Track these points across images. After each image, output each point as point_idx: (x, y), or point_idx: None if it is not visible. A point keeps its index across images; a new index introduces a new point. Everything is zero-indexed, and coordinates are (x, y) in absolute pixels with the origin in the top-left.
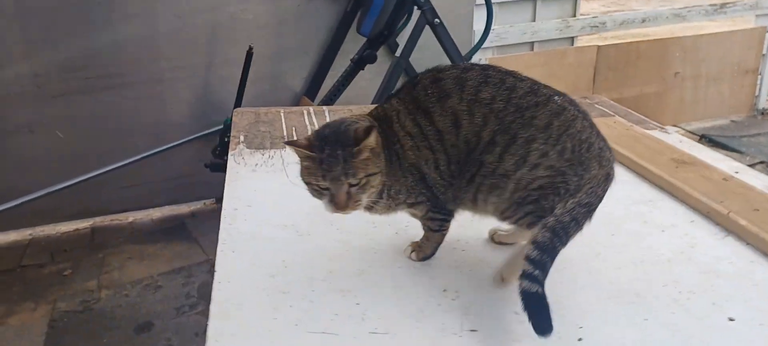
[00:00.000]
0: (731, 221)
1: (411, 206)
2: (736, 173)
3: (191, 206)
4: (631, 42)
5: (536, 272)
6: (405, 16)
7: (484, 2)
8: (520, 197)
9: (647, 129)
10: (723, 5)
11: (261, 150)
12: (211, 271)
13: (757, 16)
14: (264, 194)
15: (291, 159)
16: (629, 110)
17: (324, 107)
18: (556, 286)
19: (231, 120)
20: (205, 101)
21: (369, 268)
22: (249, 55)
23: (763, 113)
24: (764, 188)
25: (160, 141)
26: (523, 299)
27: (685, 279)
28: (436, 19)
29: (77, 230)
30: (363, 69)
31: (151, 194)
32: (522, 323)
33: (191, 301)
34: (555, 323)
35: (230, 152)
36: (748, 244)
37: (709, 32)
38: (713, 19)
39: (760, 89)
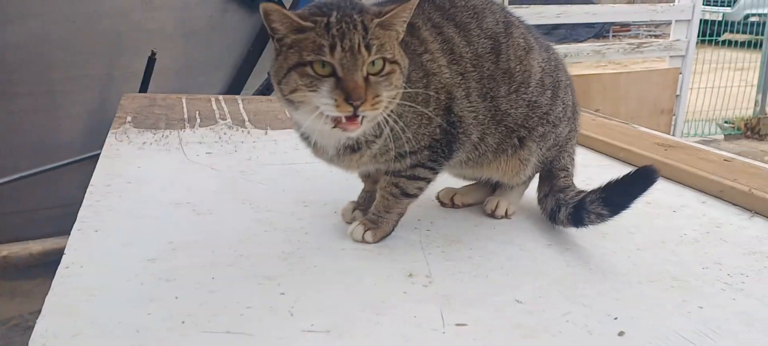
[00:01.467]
0: (757, 198)
1: (407, 153)
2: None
3: None
4: None
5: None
6: None
7: None
8: (557, 149)
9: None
10: (640, 45)
11: (153, 130)
12: None
13: (670, 56)
14: (152, 171)
15: (192, 138)
16: (584, 109)
17: (237, 97)
18: (564, 271)
19: None
20: (101, 117)
21: (298, 250)
22: (151, 61)
23: None
24: None
25: (45, 160)
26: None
27: (728, 261)
28: None
29: None
30: None
31: (31, 223)
32: (531, 313)
33: None
34: (581, 314)
35: (111, 131)
36: None
37: (627, 71)
38: (631, 58)
39: (674, 130)
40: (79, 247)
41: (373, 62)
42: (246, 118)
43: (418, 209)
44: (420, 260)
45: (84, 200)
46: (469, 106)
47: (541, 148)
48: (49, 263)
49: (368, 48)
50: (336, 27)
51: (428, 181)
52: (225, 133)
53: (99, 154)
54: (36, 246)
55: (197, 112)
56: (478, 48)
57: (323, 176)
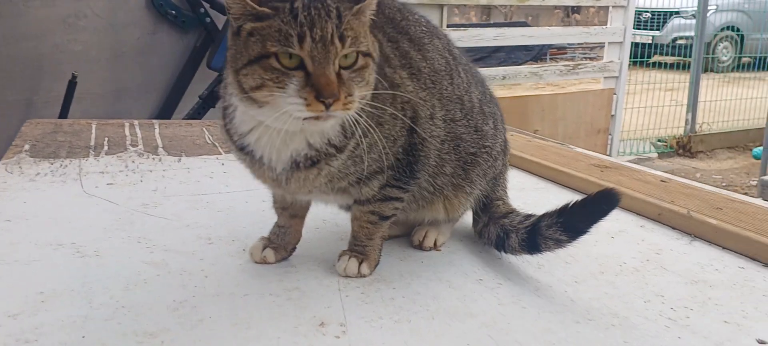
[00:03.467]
0: (696, 222)
1: (370, 176)
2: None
3: None
4: None
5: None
6: None
7: None
8: (493, 181)
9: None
10: (575, 67)
11: (51, 159)
12: None
13: (605, 77)
14: (38, 206)
15: (93, 168)
16: (520, 130)
17: (154, 121)
18: (495, 310)
19: None
20: None
21: (193, 298)
22: (71, 84)
23: None
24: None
25: None
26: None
27: (670, 292)
28: None
29: None
30: (214, 106)
31: None
32: None
33: None
34: None
35: (1, 162)
36: (724, 248)
37: (564, 92)
38: (567, 79)
39: (610, 148)
40: None
41: (346, 55)
42: (160, 144)
43: (339, 243)
44: (335, 305)
45: None
46: (433, 125)
47: (482, 181)
48: None
49: (342, 39)
50: (304, 13)
51: (401, 200)
52: (133, 162)
53: None
54: None
55: (106, 139)
56: (434, 64)
57: (235, 208)
